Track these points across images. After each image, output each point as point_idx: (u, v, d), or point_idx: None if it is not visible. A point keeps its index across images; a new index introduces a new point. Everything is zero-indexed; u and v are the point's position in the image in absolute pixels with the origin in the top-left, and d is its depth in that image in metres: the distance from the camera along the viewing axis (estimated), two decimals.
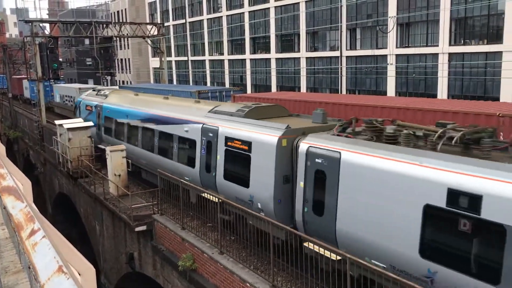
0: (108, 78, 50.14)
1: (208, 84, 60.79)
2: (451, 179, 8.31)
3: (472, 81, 31.66)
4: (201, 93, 29.66)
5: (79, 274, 4.73)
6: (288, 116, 15.41)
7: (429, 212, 8.60)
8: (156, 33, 40.08)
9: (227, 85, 56.37)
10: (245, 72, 54.03)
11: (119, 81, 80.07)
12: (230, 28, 56.01)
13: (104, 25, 40.16)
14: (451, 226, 8.32)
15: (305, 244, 10.77)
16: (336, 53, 41.59)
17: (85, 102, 28.19)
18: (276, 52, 48.83)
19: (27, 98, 57.82)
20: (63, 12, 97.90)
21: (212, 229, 14.16)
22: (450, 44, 32.53)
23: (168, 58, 63.10)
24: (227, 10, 55.81)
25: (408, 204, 8.94)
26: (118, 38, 52.05)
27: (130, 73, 79.16)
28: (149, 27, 45.91)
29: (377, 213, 9.57)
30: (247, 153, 13.38)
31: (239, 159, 13.79)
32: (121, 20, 77.13)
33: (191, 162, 16.28)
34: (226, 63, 57.50)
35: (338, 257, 9.93)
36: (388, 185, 9.35)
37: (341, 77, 41.34)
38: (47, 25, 45.06)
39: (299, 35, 45.52)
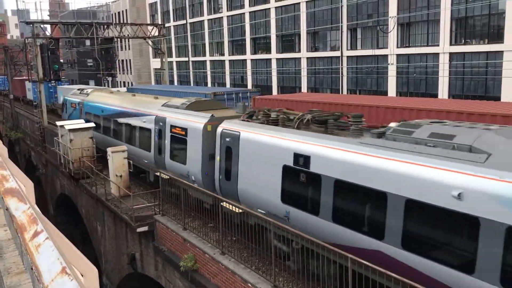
0: (109, 79, 50.10)
1: (209, 85, 60.78)
2: (295, 146, 11.87)
3: (473, 80, 31.64)
4: (217, 95, 29.23)
5: (82, 275, 4.75)
6: (222, 109, 18.34)
7: (285, 170, 12.16)
8: (157, 34, 40.11)
9: (227, 85, 56.37)
10: (246, 72, 54.02)
11: (120, 82, 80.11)
12: (230, 28, 56.02)
13: (105, 26, 40.13)
14: (296, 178, 11.79)
15: (222, 204, 13.31)
16: (337, 53, 41.59)
17: (71, 100, 31.26)
18: (276, 53, 48.83)
19: (30, 99, 57.50)
20: (64, 13, 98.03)
21: (213, 230, 14.23)
22: (450, 44, 32.51)
23: (169, 59, 63.12)
24: (227, 10, 55.82)
25: (275, 166, 12.46)
26: (119, 39, 52.18)
27: (131, 74, 79.21)
28: (150, 28, 45.94)
29: (259, 173, 13.06)
30: (184, 137, 16.72)
31: (179, 143, 17.11)
32: (121, 21, 77.13)
33: (148, 147, 19.76)
34: (227, 64, 57.50)
35: (240, 211, 12.90)
36: (265, 153, 12.89)
37: (342, 77, 41.33)
38: (48, 26, 45.07)
39: (299, 35, 45.51)
